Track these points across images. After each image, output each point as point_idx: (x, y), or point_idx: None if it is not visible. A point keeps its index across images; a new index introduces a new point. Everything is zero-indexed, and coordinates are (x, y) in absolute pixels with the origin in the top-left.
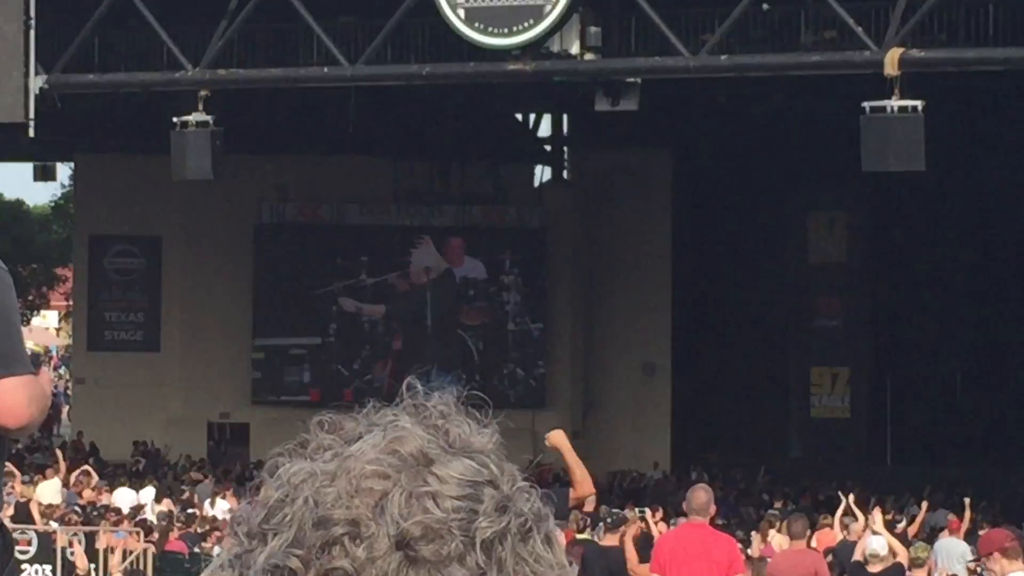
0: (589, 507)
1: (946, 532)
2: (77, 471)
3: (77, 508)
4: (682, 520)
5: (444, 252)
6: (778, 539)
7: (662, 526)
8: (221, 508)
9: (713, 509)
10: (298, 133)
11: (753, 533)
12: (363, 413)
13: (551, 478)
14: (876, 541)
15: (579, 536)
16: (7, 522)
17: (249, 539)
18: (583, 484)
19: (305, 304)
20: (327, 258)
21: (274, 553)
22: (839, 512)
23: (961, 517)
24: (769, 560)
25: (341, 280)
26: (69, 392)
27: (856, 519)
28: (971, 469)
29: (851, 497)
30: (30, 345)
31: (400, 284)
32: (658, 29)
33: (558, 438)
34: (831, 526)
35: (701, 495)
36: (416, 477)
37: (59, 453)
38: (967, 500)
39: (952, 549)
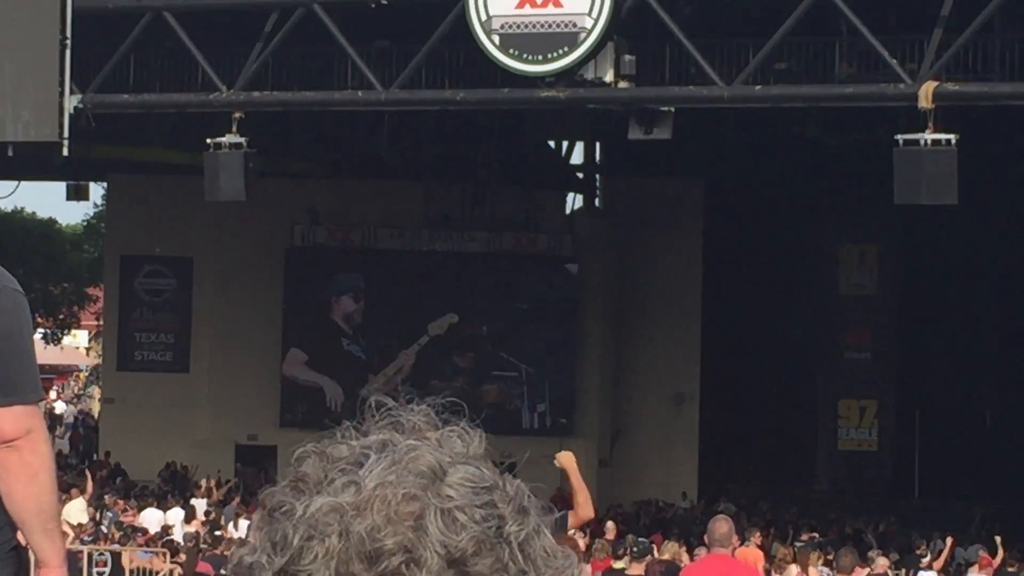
0: (610, 534)
1: (976, 568)
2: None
3: (114, 524)
4: (703, 551)
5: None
6: (795, 571)
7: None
8: (246, 529)
9: (736, 540)
10: (330, 156)
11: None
12: (341, 439)
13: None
14: None
15: (615, 565)
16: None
17: None
18: (584, 508)
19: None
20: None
21: None
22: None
23: (992, 554)
24: None
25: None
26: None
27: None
28: (999, 504)
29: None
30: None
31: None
32: (693, 58)
33: (568, 460)
34: None
35: (723, 526)
36: (439, 492)
37: (88, 474)
38: (999, 539)
39: None
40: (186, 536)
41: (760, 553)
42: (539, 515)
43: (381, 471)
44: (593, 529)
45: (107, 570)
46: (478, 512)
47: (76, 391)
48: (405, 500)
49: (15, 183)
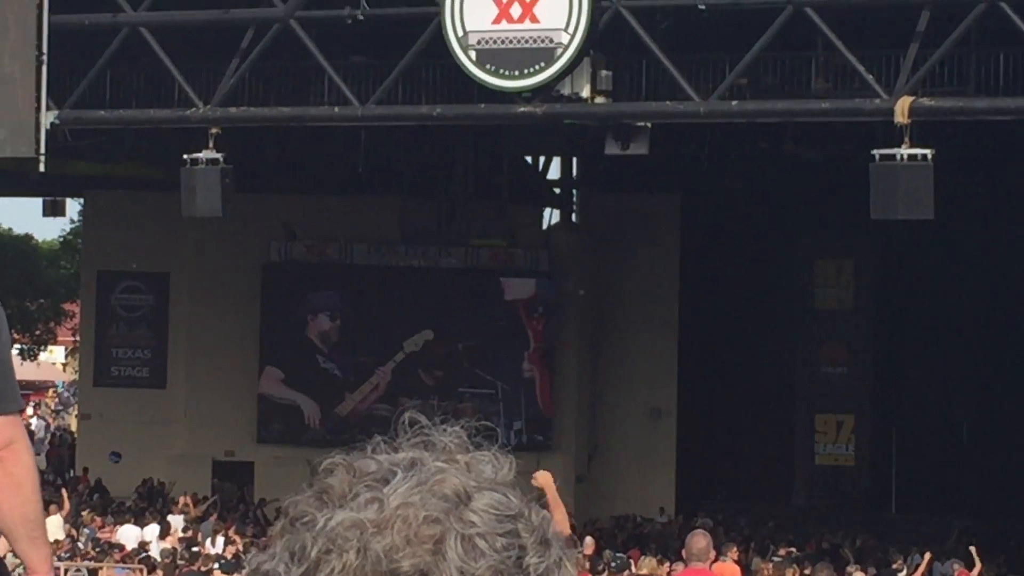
0: (588, 550)
1: None
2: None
3: (90, 541)
4: (680, 567)
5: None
6: None
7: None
8: (222, 545)
9: (713, 554)
10: (307, 172)
11: None
12: (371, 453)
13: None
14: None
15: None
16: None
17: None
18: (559, 524)
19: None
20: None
21: None
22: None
23: (969, 567)
24: None
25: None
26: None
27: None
28: (976, 519)
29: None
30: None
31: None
32: (669, 74)
33: (546, 479)
34: None
35: (700, 540)
36: (461, 517)
37: (64, 492)
38: (973, 549)
39: None
40: (163, 552)
41: (737, 568)
42: (562, 548)
43: (406, 490)
44: None
45: None
46: (500, 540)
47: (54, 407)
48: (426, 522)
49: None
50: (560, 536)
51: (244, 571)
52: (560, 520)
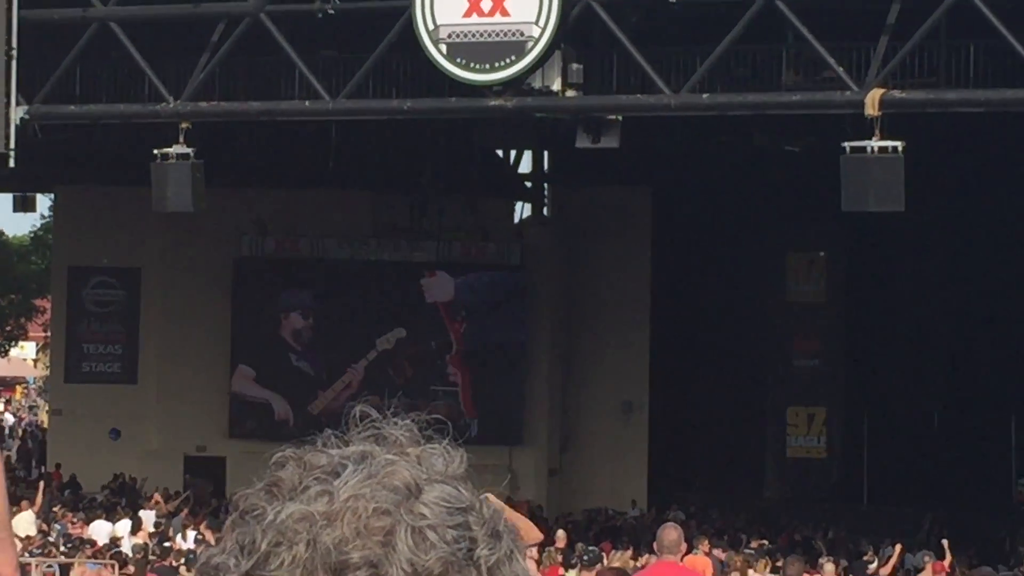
0: (560, 543)
1: (929, 572)
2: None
3: (62, 537)
4: (653, 559)
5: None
6: None
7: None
8: (193, 540)
9: (684, 547)
10: (278, 166)
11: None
12: (322, 447)
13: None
14: None
15: (566, 574)
16: None
17: None
18: (528, 533)
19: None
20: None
21: None
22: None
23: (940, 558)
24: None
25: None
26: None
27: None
28: (947, 510)
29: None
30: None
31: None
32: (640, 67)
33: (493, 502)
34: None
35: (671, 533)
36: (412, 510)
37: (40, 486)
38: (946, 542)
39: None
40: (134, 548)
41: (708, 561)
42: (513, 541)
43: (356, 483)
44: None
45: None
46: (450, 533)
47: (28, 404)
48: (376, 515)
49: None
50: (512, 529)
51: (196, 565)
52: (526, 528)
